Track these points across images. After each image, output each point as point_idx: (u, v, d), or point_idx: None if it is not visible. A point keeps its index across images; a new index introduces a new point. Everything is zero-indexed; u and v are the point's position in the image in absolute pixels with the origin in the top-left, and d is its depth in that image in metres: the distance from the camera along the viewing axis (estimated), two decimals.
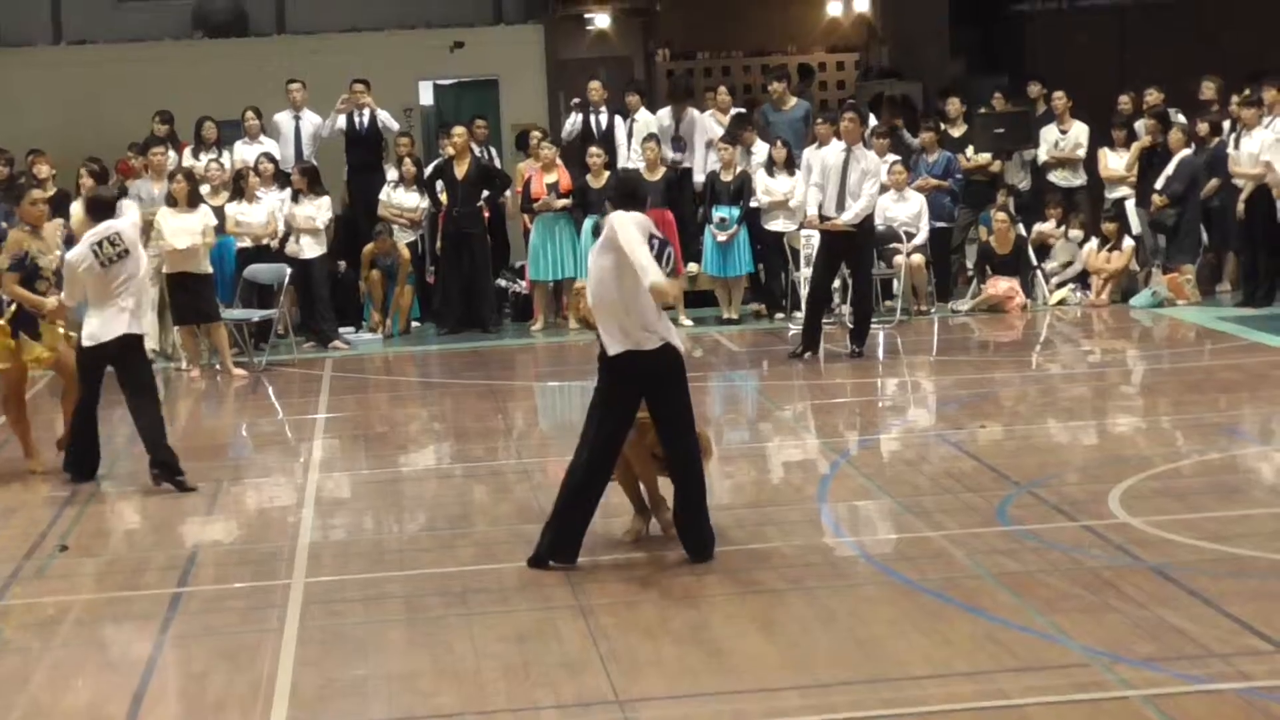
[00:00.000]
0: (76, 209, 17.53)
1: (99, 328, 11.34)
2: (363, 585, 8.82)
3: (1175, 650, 7.08)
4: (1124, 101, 19.89)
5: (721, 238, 18.02)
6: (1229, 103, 18.69)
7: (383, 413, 14.46)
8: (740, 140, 18.74)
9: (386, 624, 8.09)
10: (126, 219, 11.73)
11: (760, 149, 18.76)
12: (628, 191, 8.90)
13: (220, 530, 10.49)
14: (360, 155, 19.59)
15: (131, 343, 11.41)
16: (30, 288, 11.84)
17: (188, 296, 16.49)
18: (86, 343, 11.42)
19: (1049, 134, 19.72)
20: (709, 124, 19.43)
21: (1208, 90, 19.29)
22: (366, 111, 19.44)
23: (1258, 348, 15.35)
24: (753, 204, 18.37)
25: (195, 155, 18.95)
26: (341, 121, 19.46)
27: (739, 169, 18.43)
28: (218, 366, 16.62)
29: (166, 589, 8.96)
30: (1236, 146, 17.77)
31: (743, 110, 19.56)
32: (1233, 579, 8.12)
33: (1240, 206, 17.61)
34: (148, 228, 17.13)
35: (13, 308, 12.04)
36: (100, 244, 11.34)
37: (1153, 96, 19.59)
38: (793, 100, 20.09)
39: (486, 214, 18.66)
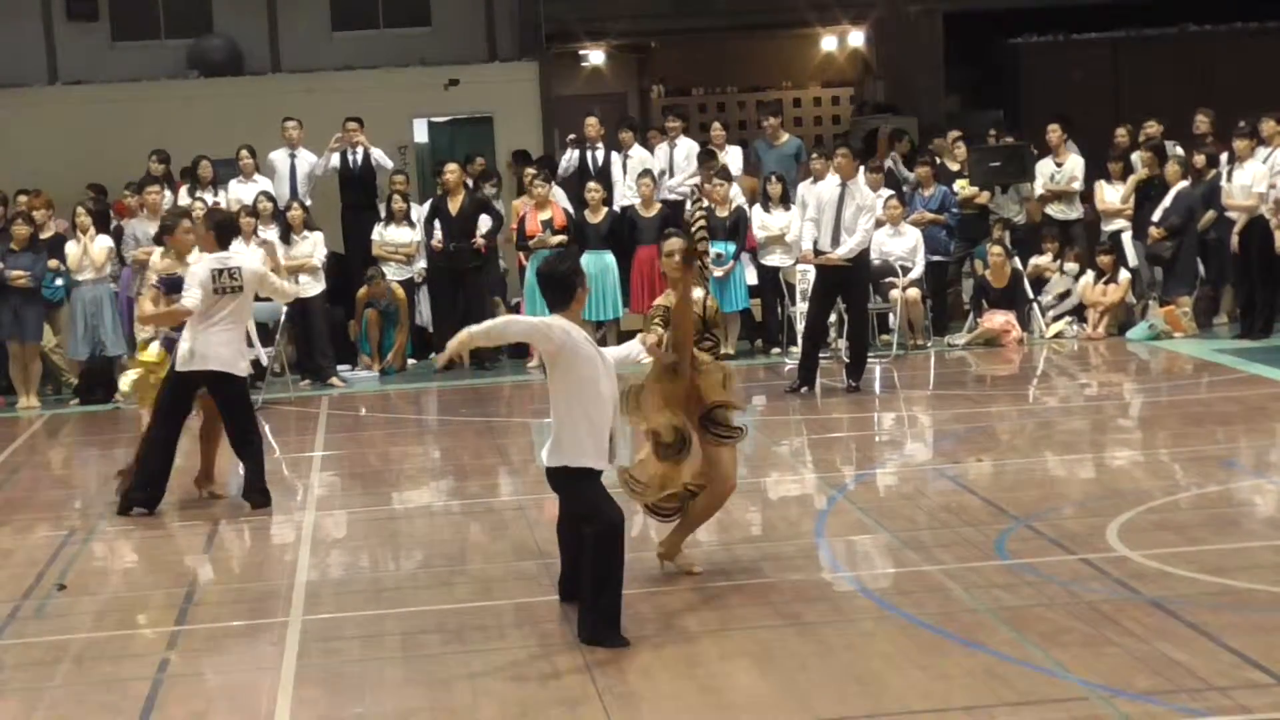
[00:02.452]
0: (73, 248, 17.58)
1: (195, 355, 11.51)
2: (360, 623, 8.79)
3: (1175, 684, 7.06)
4: (1121, 134, 19.95)
5: (718, 273, 18.03)
6: (1226, 135, 18.72)
7: (379, 450, 14.45)
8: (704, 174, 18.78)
9: (384, 662, 8.08)
10: (252, 259, 11.86)
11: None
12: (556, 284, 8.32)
13: (218, 568, 10.48)
14: (354, 194, 19.61)
15: (223, 378, 11.59)
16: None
17: None
18: (180, 367, 11.59)
19: (1044, 167, 19.76)
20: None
21: (1201, 124, 19.35)
22: (360, 149, 19.48)
23: (1256, 380, 15.35)
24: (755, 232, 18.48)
25: (191, 194, 18.97)
26: (335, 160, 19.50)
27: (734, 205, 18.46)
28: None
29: (164, 628, 8.94)
30: (1230, 179, 17.81)
31: (710, 148, 19.55)
32: (1232, 612, 8.10)
33: (1234, 239, 17.63)
34: (142, 267, 17.20)
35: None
36: (220, 272, 11.54)
37: (1152, 128, 19.63)
38: (785, 136, 20.16)
39: (481, 245, 18.53)
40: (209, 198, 18.80)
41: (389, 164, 19.69)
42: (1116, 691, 7.00)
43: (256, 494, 11.85)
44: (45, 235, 17.68)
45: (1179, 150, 19.30)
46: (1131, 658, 7.42)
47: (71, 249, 17.63)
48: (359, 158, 19.51)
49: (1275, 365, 15.78)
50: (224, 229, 11.92)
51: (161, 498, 11.81)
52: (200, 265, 11.69)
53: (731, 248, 18.26)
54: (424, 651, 8.20)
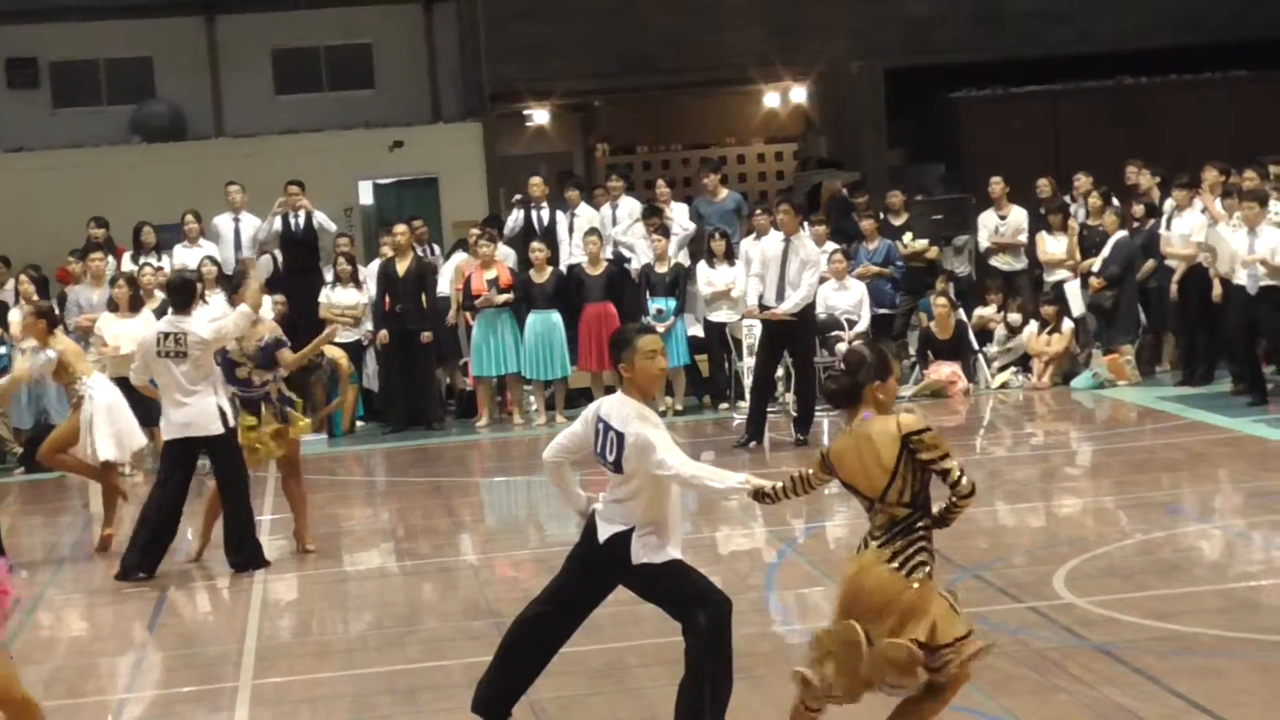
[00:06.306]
0: (15, 316, 17.50)
1: (166, 423, 11.66)
2: (310, 686, 8.77)
3: None
4: (1043, 184, 20.06)
5: (660, 329, 18.05)
6: (1163, 185, 18.91)
7: (329, 512, 14.38)
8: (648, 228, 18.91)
9: None
10: (203, 324, 11.83)
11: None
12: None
13: (167, 634, 10.42)
14: (297, 257, 19.58)
15: (202, 441, 11.62)
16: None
17: (131, 401, 16.37)
18: (164, 436, 11.71)
19: (988, 220, 19.90)
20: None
21: (1132, 174, 19.56)
22: (302, 213, 19.48)
23: (1198, 426, 15.48)
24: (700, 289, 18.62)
25: (135, 260, 18.92)
26: (278, 223, 19.49)
27: (673, 261, 18.55)
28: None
29: (113, 695, 8.89)
30: (1169, 227, 17.98)
31: (656, 205, 19.65)
32: (1178, 657, 8.16)
33: (1174, 288, 17.78)
34: (87, 334, 17.14)
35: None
36: (164, 335, 11.54)
37: (1081, 181, 19.76)
38: (724, 192, 20.26)
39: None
40: (154, 263, 18.74)
41: (332, 226, 19.71)
42: None
43: (230, 552, 11.82)
44: None
45: (1115, 201, 19.47)
46: (1079, 704, 7.47)
47: (14, 316, 17.54)
48: (301, 221, 19.50)
49: (1217, 411, 15.92)
50: (174, 290, 11.92)
51: (156, 563, 11.69)
52: (150, 329, 11.81)
53: (673, 304, 18.33)
54: (374, 713, 8.18)
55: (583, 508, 7.59)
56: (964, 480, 6.73)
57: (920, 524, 6.72)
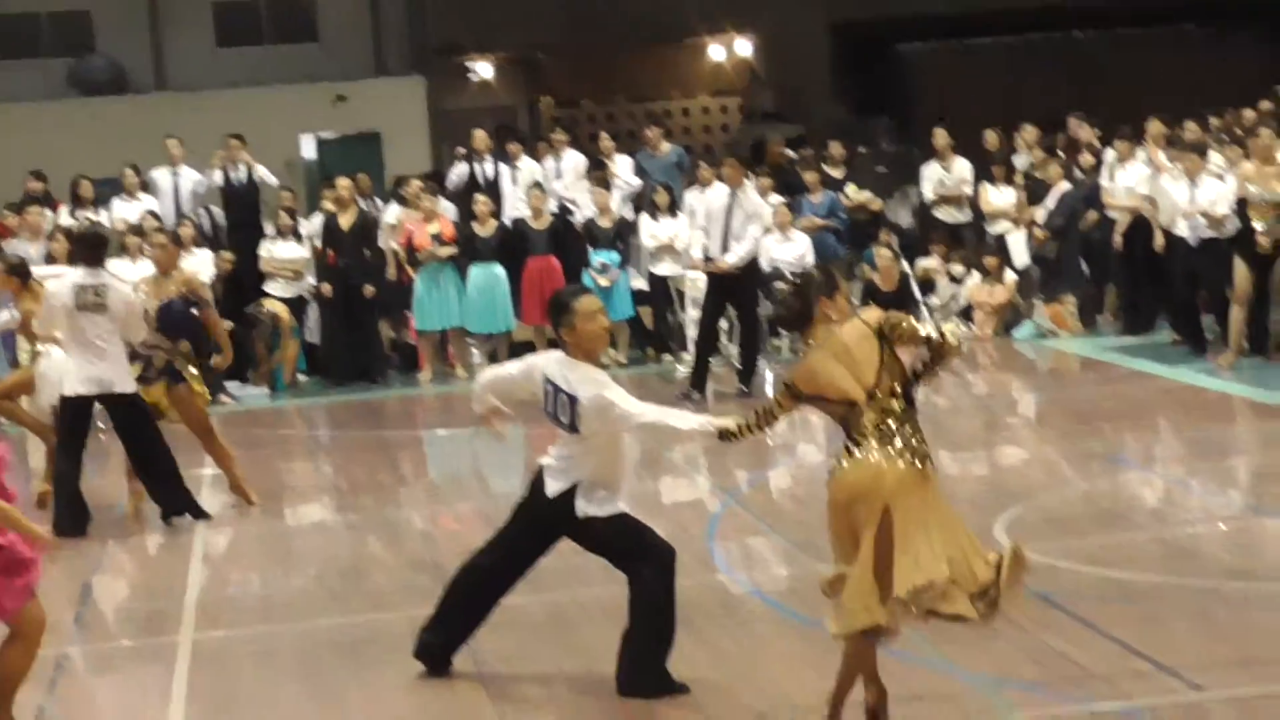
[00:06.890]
0: None
1: (76, 379, 11.34)
2: (253, 640, 8.74)
3: (1059, 674, 7.18)
4: (989, 137, 20.07)
5: (604, 282, 18.00)
6: (1110, 137, 18.97)
7: (271, 466, 14.32)
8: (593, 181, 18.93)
9: (278, 679, 8.04)
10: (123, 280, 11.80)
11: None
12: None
13: (107, 588, 10.38)
14: (238, 212, 19.44)
15: (112, 400, 11.43)
16: None
17: None
18: (65, 392, 11.39)
19: (933, 172, 19.91)
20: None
21: (1073, 127, 19.60)
22: (243, 167, 19.32)
23: (1139, 375, 15.57)
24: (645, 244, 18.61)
25: (72, 214, 18.75)
26: (218, 177, 19.33)
27: (616, 215, 18.55)
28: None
29: (52, 650, 8.80)
30: (1112, 178, 18.04)
31: (600, 158, 19.65)
32: (1116, 603, 8.23)
33: (1118, 239, 17.85)
34: None
35: None
36: (83, 288, 11.28)
37: (1027, 134, 19.79)
38: (665, 145, 20.25)
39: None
40: (91, 217, 18.58)
41: (274, 181, 19.56)
42: (1003, 682, 7.10)
43: (177, 509, 11.71)
44: None
45: (1060, 153, 19.52)
46: (1018, 650, 7.52)
47: None
48: (242, 175, 19.36)
49: (1157, 361, 16.02)
50: (89, 244, 11.75)
51: (88, 519, 11.59)
52: (64, 282, 11.59)
53: (616, 257, 18.32)
54: (318, 667, 8.16)
55: (489, 405, 7.90)
56: (949, 337, 6.72)
57: (913, 415, 6.70)
